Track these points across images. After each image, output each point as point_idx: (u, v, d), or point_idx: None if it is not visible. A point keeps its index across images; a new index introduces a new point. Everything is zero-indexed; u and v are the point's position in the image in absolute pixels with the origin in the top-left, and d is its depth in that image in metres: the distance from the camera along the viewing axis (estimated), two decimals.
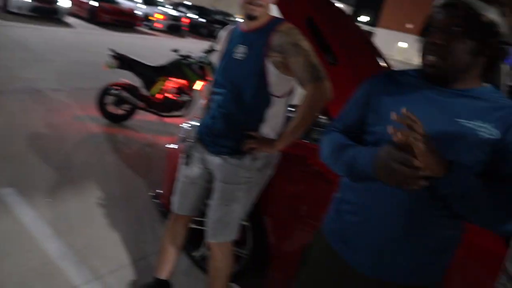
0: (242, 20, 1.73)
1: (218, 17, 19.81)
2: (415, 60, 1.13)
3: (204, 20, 18.40)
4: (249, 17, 1.64)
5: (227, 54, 1.73)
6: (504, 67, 1.08)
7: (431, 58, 1.02)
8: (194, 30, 17.83)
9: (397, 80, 1.13)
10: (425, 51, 1.04)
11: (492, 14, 0.96)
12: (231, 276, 1.96)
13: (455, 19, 0.98)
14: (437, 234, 1.07)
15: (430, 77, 1.05)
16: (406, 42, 38.44)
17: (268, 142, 1.69)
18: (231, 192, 1.74)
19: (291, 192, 1.94)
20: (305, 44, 1.61)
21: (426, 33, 1.05)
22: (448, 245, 1.11)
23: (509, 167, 0.98)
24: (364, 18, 45.16)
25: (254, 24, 1.66)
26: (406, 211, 1.05)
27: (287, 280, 1.96)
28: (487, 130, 0.98)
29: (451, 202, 0.97)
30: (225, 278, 1.86)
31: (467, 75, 1.02)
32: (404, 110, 0.90)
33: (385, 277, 1.12)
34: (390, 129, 0.91)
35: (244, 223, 2.12)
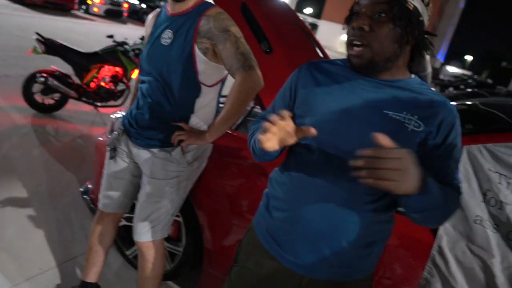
0: (167, 3, 1.62)
1: (161, 3, 19.11)
2: None
3: (144, 6, 17.65)
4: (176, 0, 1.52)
5: (153, 39, 1.61)
6: (427, 58, 1.08)
7: (357, 48, 0.98)
8: (135, 16, 17.08)
9: (325, 70, 1.10)
10: (351, 38, 1.00)
11: (416, 2, 0.96)
12: (166, 275, 1.88)
13: (381, 4, 0.95)
14: (367, 229, 1.05)
15: (356, 67, 1.02)
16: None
17: (198, 134, 1.61)
18: (159, 188, 1.64)
19: (226, 186, 1.88)
20: (235, 30, 1.53)
21: (352, 20, 1.02)
22: (379, 239, 1.11)
23: (438, 165, 0.99)
24: (308, 10, 45.93)
25: (180, 7, 1.55)
26: (335, 207, 1.03)
27: (223, 276, 1.92)
28: (414, 123, 0.98)
29: (413, 213, 0.94)
30: (157, 279, 1.76)
31: (393, 65, 1.01)
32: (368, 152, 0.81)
33: (316, 275, 1.10)
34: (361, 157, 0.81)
35: (177, 218, 2.03)
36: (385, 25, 0.95)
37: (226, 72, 1.63)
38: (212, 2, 1.75)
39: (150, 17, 1.73)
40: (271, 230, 1.15)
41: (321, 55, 2.65)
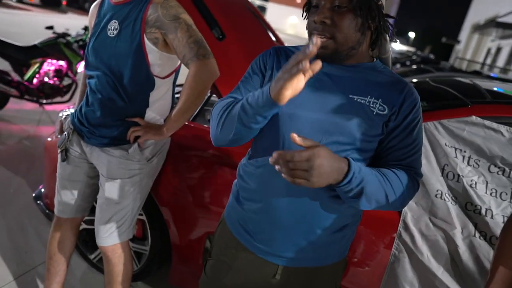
0: None
1: None
2: (306, 34, 1.08)
3: None
4: None
5: (98, 31, 1.50)
6: (388, 40, 1.10)
7: (320, 40, 0.95)
8: (76, 5, 16.12)
9: (289, 56, 1.08)
10: (314, 32, 0.98)
11: None
12: (134, 276, 1.82)
13: None
14: (338, 214, 1.06)
15: (321, 58, 1.00)
16: (297, 16, 40.07)
17: (155, 128, 1.54)
18: (119, 188, 1.56)
19: (188, 179, 1.83)
20: (186, 17, 1.45)
21: (312, 12, 1.01)
22: (351, 222, 1.12)
23: (395, 146, 1.02)
24: None
25: None
26: (305, 194, 1.02)
27: (193, 270, 1.89)
28: (379, 106, 0.99)
29: (350, 200, 0.96)
30: (126, 282, 1.70)
31: (357, 52, 1.01)
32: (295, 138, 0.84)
33: (291, 263, 1.10)
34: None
35: (141, 217, 1.96)
36: (347, 17, 0.95)
37: (179, 61, 1.56)
38: None
39: (92, 7, 1.62)
40: (244, 221, 1.13)
41: (273, 38, 2.63)
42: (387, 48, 1.11)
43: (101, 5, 1.55)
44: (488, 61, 20.20)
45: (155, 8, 1.42)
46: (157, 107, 1.57)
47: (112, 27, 1.45)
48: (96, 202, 1.66)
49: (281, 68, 0.89)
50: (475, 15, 27.54)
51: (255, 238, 1.11)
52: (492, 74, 5.95)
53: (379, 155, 1.05)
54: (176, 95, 1.71)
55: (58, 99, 4.34)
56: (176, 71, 1.61)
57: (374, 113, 0.99)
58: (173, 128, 1.54)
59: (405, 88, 1.01)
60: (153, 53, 1.45)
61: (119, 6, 1.46)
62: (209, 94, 2.39)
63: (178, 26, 1.41)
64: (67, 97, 4.37)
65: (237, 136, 1.00)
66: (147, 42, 1.43)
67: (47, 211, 2.32)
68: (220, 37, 1.94)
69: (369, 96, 1.00)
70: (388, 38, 1.07)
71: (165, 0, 1.44)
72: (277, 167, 0.84)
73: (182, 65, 1.56)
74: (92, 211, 1.80)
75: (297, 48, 1.11)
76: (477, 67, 17.07)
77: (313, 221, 1.05)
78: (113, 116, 1.52)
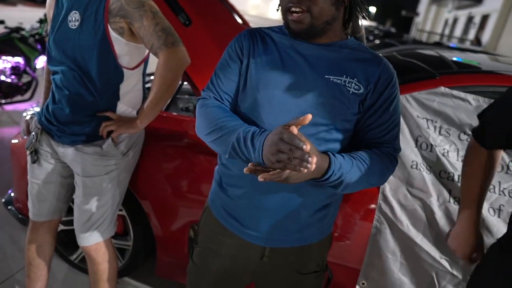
0: None
1: None
2: (269, 15, 1.07)
3: None
4: None
5: (58, 23, 1.42)
6: (361, 18, 1.10)
7: (296, 14, 0.97)
8: None
9: (264, 39, 1.07)
10: (289, 5, 0.97)
11: None
12: (119, 272, 1.79)
13: None
14: (321, 193, 1.08)
15: (296, 33, 1.01)
16: None
17: (128, 121, 1.49)
18: (96, 185, 1.52)
19: (167, 170, 1.80)
20: (151, 4, 1.40)
21: None
22: (333, 200, 1.14)
23: (371, 124, 1.03)
24: None
25: None
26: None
27: (178, 261, 1.88)
28: (355, 85, 1.00)
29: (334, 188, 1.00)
30: (112, 280, 1.67)
31: (331, 28, 1.01)
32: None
33: (278, 244, 1.11)
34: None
35: (121, 212, 1.92)
36: None
37: (147, 50, 1.51)
38: None
39: None
40: (229, 207, 1.13)
41: (239, 21, 2.59)
42: (360, 26, 1.12)
43: None
44: (446, 31, 20.83)
45: None
46: (128, 99, 1.52)
47: (73, 18, 1.38)
48: (73, 202, 1.61)
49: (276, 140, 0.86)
50: None
51: (242, 223, 1.11)
52: (451, 45, 6.16)
53: (357, 134, 1.07)
54: (147, 85, 1.66)
55: (18, 98, 4.14)
56: (145, 61, 1.56)
57: (350, 92, 1.00)
58: (146, 120, 1.50)
59: (380, 64, 1.03)
60: (120, 44, 1.40)
61: None
62: (180, 82, 2.34)
63: (143, 14, 1.36)
64: (27, 95, 4.17)
65: (226, 154, 1.03)
66: (112, 32, 1.37)
67: (19, 216, 2.23)
68: (187, 23, 1.89)
69: (344, 76, 1.00)
70: (360, 16, 1.07)
71: None
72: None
73: (151, 54, 1.51)
74: (69, 211, 1.75)
75: (272, 29, 1.10)
76: (437, 38, 17.57)
77: (297, 202, 1.06)
78: (83, 112, 1.46)
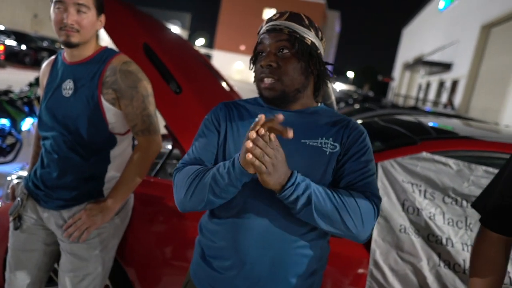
0: (63, 50, 1.49)
1: (44, 43, 17.81)
2: (251, 79, 1.15)
3: (24, 47, 16.22)
4: (68, 45, 1.39)
5: (51, 91, 1.47)
6: (331, 86, 1.19)
7: (267, 80, 1.04)
8: (15, 59, 15.58)
9: (239, 111, 1.13)
10: (262, 75, 1.05)
11: (312, 37, 1.06)
12: None
13: (283, 42, 1.04)
14: (308, 259, 1.07)
15: (269, 100, 1.07)
16: (242, 62, 41.66)
17: (97, 207, 1.46)
18: (83, 252, 1.47)
19: (152, 235, 1.76)
20: (143, 86, 1.47)
21: (259, 59, 1.08)
22: (319, 267, 1.13)
23: (346, 178, 1.04)
24: (200, 41, 46.94)
25: (80, 54, 1.44)
26: (274, 244, 1.03)
27: None
28: (330, 145, 1.05)
29: (299, 211, 0.96)
30: None
31: (303, 95, 1.08)
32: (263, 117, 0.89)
33: None
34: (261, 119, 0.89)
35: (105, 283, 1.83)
36: (290, 60, 1.04)
37: None
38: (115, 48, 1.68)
39: (44, 65, 1.58)
40: (214, 281, 1.09)
41: (225, 86, 2.71)
42: (330, 93, 1.20)
43: (53, 64, 1.53)
44: (421, 95, 21.98)
45: (113, 70, 1.42)
46: (118, 163, 1.53)
47: (67, 86, 1.43)
48: (53, 272, 1.53)
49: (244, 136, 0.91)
50: (405, 54, 30.20)
51: None
52: (427, 109, 6.48)
53: (333, 182, 1.07)
54: None
55: (1, 159, 4.07)
56: None
57: (327, 153, 1.04)
58: (117, 199, 1.49)
59: (349, 123, 1.09)
60: (111, 112, 1.44)
61: (74, 66, 1.45)
62: (170, 148, 2.37)
63: (134, 96, 1.44)
64: (10, 157, 4.11)
65: (208, 205, 1.02)
66: (104, 102, 1.42)
67: None
68: (177, 90, 1.97)
69: (320, 138, 1.06)
70: (330, 85, 1.15)
71: (124, 63, 1.45)
72: (250, 144, 0.86)
73: None
74: (49, 281, 1.66)
75: (247, 101, 1.16)
76: (412, 101, 18.49)
77: (286, 270, 1.05)
78: (72, 175, 1.45)
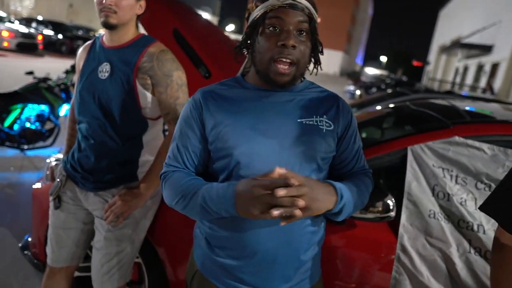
0: (103, 33, 1.54)
1: (79, 32, 18.36)
2: None
3: (61, 37, 16.77)
4: (106, 25, 1.43)
5: (87, 73, 1.52)
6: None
7: (284, 66, 0.97)
8: (53, 48, 16.16)
9: (223, 96, 1.06)
10: (279, 56, 0.96)
11: (316, 17, 1.02)
12: None
13: (303, 24, 0.98)
14: (312, 234, 1.09)
15: (279, 85, 1.01)
16: None
17: (131, 193, 1.50)
18: (115, 233, 1.54)
19: (180, 217, 1.81)
20: (178, 75, 1.49)
21: (268, 33, 0.98)
22: (318, 246, 1.14)
23: (346, 154, 1.11)
24: (230, 27, 46.72)
25: (119, 39, 1.48)
26: (283, 230, 1.01)
27: None
28: (326, 123, 1.05)
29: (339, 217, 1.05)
30: None
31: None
32: (278, 170, 0.89)
33: None
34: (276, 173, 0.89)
35: (137, 260, 1.92)
36: (306, 42, 1.00)
37: None
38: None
39: (81, 49, 1.64)
40: (226, 270, 1.07)
41: None
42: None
43: (91, 48, 1.58)
44: (458, 79, 21.07)
45: (150, 56, 1.45)
46: (151, 147, 1.58)
47: (104, 69, 1.47)
48: (90, 249, 1.62)
49: (251, 186, 0.89)
50: (441, 37, 28.93)
51: (244, 283, 1.06)
52: (463, 93, 6.23)
53: (337, 168, 1.13)
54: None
55: (40, 144, 4.28)
56: None
57: (324, 130, 1.04)
58: (150, 185, 1.52)
59: (339, 101, 1.10)
60: (145, 97, 1.48)
61: (113, 50, 1.49)
62: None
63: (169, 84, 1.46)
64: (49, 141, 4.32)
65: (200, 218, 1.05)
66: (139, 86, 1.46)
67: (35, 261, 2.24)
68: (207, 75, 2.00)
69: (314, 116, 1.05)
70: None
71: (161, 51, 1.47)
72: (275, 212, 0.84)
73: None
74: (86, 258, 1.76)
75: (224, 84, 1.09)
76: (448, 86, 17.75)
77: (296, 248, 1.05)
78: (107, 159, 1.52)
